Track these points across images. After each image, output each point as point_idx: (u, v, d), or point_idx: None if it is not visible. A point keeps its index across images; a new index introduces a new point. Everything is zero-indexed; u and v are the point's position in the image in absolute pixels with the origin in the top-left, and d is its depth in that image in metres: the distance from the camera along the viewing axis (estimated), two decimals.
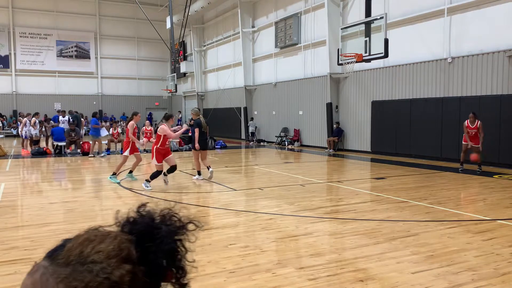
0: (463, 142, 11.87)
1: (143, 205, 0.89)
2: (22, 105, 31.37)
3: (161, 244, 0.81)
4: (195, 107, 12.21)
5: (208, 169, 10.48)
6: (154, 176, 9.30)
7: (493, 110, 12.38)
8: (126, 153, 10.51)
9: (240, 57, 25.25)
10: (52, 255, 0.75)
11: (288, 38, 21.23)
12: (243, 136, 25.57)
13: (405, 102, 15.27)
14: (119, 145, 18.02)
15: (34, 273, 0.74)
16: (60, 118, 19.17)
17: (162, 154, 9.36)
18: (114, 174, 10.36)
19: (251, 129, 24.36)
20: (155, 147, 9.32)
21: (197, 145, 10.49)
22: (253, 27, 24.80)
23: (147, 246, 0.80)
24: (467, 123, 11.66)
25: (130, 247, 0.76)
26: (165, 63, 36.88)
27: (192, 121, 20.12)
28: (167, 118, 9.78)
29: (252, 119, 24.80)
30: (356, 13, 16.81)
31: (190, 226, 0.88)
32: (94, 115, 17.72)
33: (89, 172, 13.07)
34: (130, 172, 10.67)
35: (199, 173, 10.70)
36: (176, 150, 18.71)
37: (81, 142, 17.28)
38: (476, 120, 11.52)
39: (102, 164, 14.49)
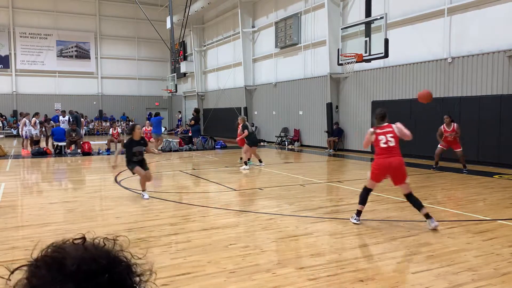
0: (438, 146, 11.66)
1: (80, 238, 0.83)
2: (22, 105, 31.33)
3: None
4: (242, 115, 14.00)
5: (260, 162, 13.21)
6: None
7: (493, 110, 12.37)
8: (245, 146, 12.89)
9: (240, 57, 25.24)
10: None
11: (288, 38, 21.22)
12: None
13: (405, 102, 15.26)
14: (119, 145, 18.03)
15: None
16: (60, 118, 19.20)
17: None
18: (245, 162, 12.67)
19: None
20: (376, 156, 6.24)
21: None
22: (253, 27, 24.79)
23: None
24: (444, 127, 11.41)
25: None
26: (165, 63, 36.87)
27: (192, 121, 20.19)
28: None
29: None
30: (356, 13, 16.81)
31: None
32: (156, 114, 18.48)
33: (90, 172, 13.08)
34: (249, 159, 12.98)
35: (246, 163, 12.72)
36: (176, 150, 18.69)
37: (81, 142, 17.31)
38: (452, 123, 11.26)
39: (104, 164, 14.50)
